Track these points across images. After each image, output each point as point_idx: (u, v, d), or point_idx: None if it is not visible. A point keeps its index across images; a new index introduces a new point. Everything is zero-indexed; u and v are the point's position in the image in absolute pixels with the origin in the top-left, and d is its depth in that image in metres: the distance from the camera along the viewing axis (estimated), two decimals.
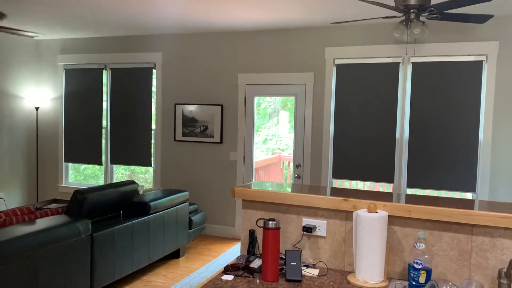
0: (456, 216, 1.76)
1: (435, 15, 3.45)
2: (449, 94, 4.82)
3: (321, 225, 1.99)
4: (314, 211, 2.01)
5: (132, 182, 4.25)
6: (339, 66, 5.24)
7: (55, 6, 4.52)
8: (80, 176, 7.80)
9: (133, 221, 4.07)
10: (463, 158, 4.77)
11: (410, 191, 5.01)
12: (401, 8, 3.40)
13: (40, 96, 6.72)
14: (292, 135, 5.57)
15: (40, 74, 6.80)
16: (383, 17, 3.59)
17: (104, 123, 6.46)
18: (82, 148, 6.59)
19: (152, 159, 6.21)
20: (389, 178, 5.07)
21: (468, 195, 4.81)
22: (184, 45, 5.94)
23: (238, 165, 5.74)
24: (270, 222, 1.81)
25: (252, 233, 2.08)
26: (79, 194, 3.63)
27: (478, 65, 4.73)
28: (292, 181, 5.59)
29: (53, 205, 5.16)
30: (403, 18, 3.50)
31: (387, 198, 1.96)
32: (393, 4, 3.65)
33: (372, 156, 5.10)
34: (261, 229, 1.91)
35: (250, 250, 2.09)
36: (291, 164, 8.55)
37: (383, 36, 5.03)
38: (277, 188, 2.15)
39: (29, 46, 6.63)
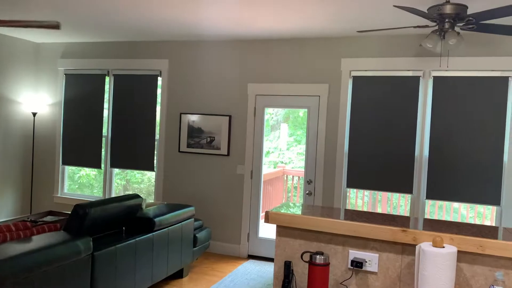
0: None
1: (471, 26, 3.22)
2: (472, 111, 4.58)
3: (372, 259, 1.71)
4: (363, 243, 1.73)
5: (136, 196, 3.95)
6: (355, 78, 5.00)
7: (60, 8, 4.26)
8: (75, 185, 7.47)
9: (136, 239, 3.76)
10: (486, 169, 4.51)
11: (429, 202, 4.71)
12: (435, 16, 3.17)
13: (38, 101, 6.41)
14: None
15: (39, 79, 6.50)
16: (414, 27, 3.35)
17: (104, 131, 6.16)
18: (81, 153, 6.28)
19: (155, 164, 5.91)
20: (408, 189, 4.79)
21: (490, 208, 4.54)
22: (192, 52, 5.68)
23: (245, 179, 5.45)
24: (318, 257, 1.53)
25: (288, 265, 1.79)
26: (80, 209, 3.33)
27: (503, 80, 4.50)
28: (302, 199, 5.30)
29: (49, 218, 4.84)
30: (436, 28, 3.26)
31: (451, 229, 1.68)
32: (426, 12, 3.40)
33: (390, 168, 4.83)
34: (300, 259, 1.62)
35: (286, 285, 1.80)
36: (296, 178, 8.29)
37: (403, 48, 4.80)
38: (316, 212, 1.87)
39: (28, 50, 6.35)
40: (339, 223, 1.73)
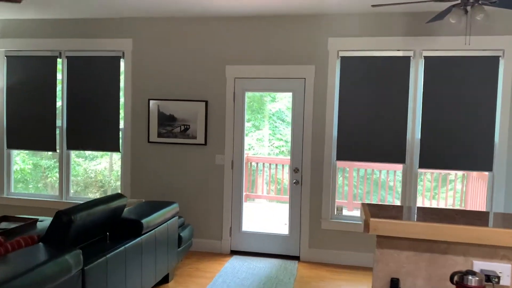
0: None
1: (493, 1, 3.02)
2: (464, 90, 4.48)
3: (503, 270, 1.41)
4: (490, 251, 1.43)
5: (120, 196, 3.42)
6: (343, 59, 4.72)
7: None
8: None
9: (125, 246, 3.25)
10: (478, 141, 4.47)
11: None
12: None
13: None
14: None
15: None
16: (435, 0, 3.09)
17: (58, 122, 5.43)
18: (31, 140, 5.52)
19: (121, 157, 5.32)
20: (401, 159, 4.65)
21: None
22: (161, 31, 5.11)
23: (226, 169, 5.03)
24: (471, 278, 1.20)
25: (395, 283, 1.46)
26: (64, 216, 2.77)
27: (494, 60, 4.43)
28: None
29: (3, 225, 4.15)
30: (459, 2, 3.04)
31: None
32: None
33: (382, 146, 4.65)
34: (409, 275, 1.29)
35: None
36: (260, 165, 7.97)
37: (393, 27, 4.58)
38: (423, 216, 1.54)
39: None
40: (460, 229, 1.41)
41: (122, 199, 3.39)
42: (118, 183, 9.15)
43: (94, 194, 9.10)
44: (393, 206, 1.75)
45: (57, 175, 8.81)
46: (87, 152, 9.16)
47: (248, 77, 4.93)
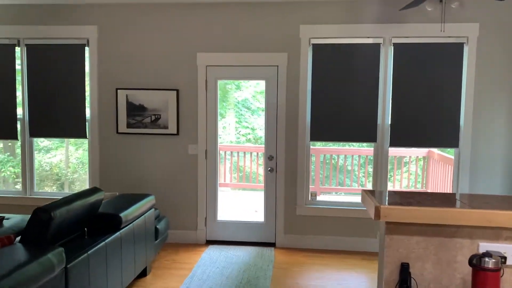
0: None
1: None
2: (431, 75, 4.62)
3: (508, 251, 1.47)
4: (495, 232, 1.48)
5: (97, 190, 3.30)
6: (315, 46, 4.74)
7: None
8: None
9: (106, 241, 3.15)
10: (445, 118, 4.64)
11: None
12: None
13: None
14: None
15: None
16: None
17: (19, 112, 5.16)
18: None
19: (87, 148, 5.14)
20: (372, 138, 4.77)
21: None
22: (128, 17, 4.93)
23: (199, 159, 4.97)
24: (488, 260, 1.24)
25: (406, 268, 1.49)
26: (43, 213, 2.64)
27: (459, 47, 4.59)
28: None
29: None
30: None
31: None
32: None
33: (354, 124, 4.72)
34: (418, 260, 1.33)
35: None
36: (228, 153, 7.93)
37: (363, 15, 4.64)
38: (434, 201, 1.58)
39: None
40: (467, 213, 1.46)
41: (99, 193, 3.28)
42: (76, 175, 8.87)
43: (50, 188, 8.78)
44: (395, 192, 1.79)
45: (11, 169, 8.42)
46: (42, 144, 8.80)
47: (220, 65, 4.86)
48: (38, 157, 8.57)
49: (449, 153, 7.33)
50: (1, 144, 8.83)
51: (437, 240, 1.51)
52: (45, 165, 8.81)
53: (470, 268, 1.52)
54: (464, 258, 1.51)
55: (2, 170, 8.54)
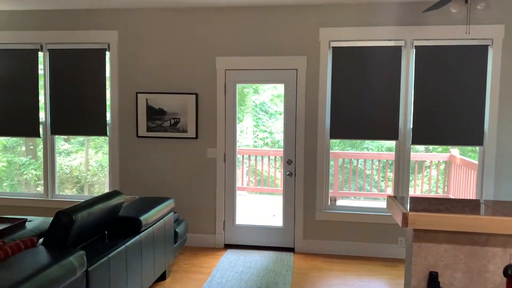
0: None
1: None
2: (454, 78, 4.53)
3: None
4: None
5: (117, 193, 3.32)
6: (335, 49, 4.70)
7: None
8: None
9: (126, 244, 3.16)
10: (469, 121, 4.54)
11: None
12: None
13: None
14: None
15: None
16: None
17: (41, 116, 5.24)
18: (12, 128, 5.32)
19: (107, 151, 5.17)
20: (394, 136, 4.69)
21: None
22: (148, 22, 4.96)
23: (218, 163, 4.96)
24: None
25: (434, 277, 1.44)
26: (65, 216, 2.66)
27: (483, 49, 4.49)
28: (283, 180, 4.96)
29: None
30: None
31: None
32: None
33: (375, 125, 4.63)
34: (447, 269, 1.28)
35: None
36: (245, 157, 7.91)
37: (384, 17, 4.58)
38: (464, 208, 1.53)
39: None
40: (500, 221, 1.40)
41: (119, 197, 3.29)
42: (95, 178, 8.96)
43: (70, 190, 8.89)
44: (421, 198, 1.74)
45: (33, 172, 8.55)
46: (62, 148, 8.92)
47: (239, 68, 4.86)
48: (59, 160, 8.70)
49: (471, 157, 7.19)
50: (23, 147, 9.00)
51: (467, 248, 1.46)
52: (66, 168, 8.94)
53: (503, 278, 1.46)
54: (496, 267, 1.45)
55: (24, 172, 8.69)
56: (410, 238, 1.50)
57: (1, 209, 5.24)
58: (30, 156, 8.83)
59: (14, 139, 8.74)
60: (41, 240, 2.80)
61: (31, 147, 8.99)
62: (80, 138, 9.04)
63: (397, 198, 1.65)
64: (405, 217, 1.42)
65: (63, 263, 2.39)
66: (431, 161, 7.83)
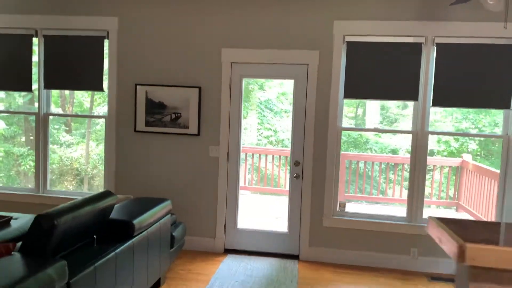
0: None
1: None
2: (477, 79, 4.19)
3: None
4: None
5: (109, 194, 3.00)
6: (349, 44, 4.36)
7: None
8: None
9: (116, 251, 2.84)
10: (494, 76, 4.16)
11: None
12: None
13: None
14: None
15: None
16: None
17: (35, 105, 4.93)
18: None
19: (103, 147, 4.86)
20: (413, 96, 4.32)
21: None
22: (150, 9, 4.64)
23: (220, 162, 4.64)
24: None
25: None
26: (45, 220, 2.34)
27: (509, 48, 4.16)
28: (290, 182, 4.64)
29: None
30: None
31: None
32: None
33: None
34: None
35: None
36: (249, 155, 7.60)
37: (403, 11, 4.25)
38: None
39: None
40: None
41: (111, 198, 2.98)
42: (95, 171, 8.67)
43: (70, 183, 8.61)
44: (474, 221, 1.41)
45: (31, 163, 8.26)
46: (63, 139, 8.63)
47: (246, 62, 4.53)
48: (59, 152, 8.42)
49: (484, 163, 6.85)
50: (23, 137, 8.71)
51: None
52: (66, 160, 8.66)
53: None
54: None
55: (22, 163, 8.41)
56: (463, 275, 1.17)
57: None
58: (29, 147, 8.54)
59: (13, 128, 8.46)
60: (19, 244, 2.49)
61: (31, 137, 8.68)
62: (82, 130, 8.76)
63: (444, 220, 1.32)
64: (461, 250, 1.10)
65: (39, 276, 2.08)
66: (441, 166, 7.49)
